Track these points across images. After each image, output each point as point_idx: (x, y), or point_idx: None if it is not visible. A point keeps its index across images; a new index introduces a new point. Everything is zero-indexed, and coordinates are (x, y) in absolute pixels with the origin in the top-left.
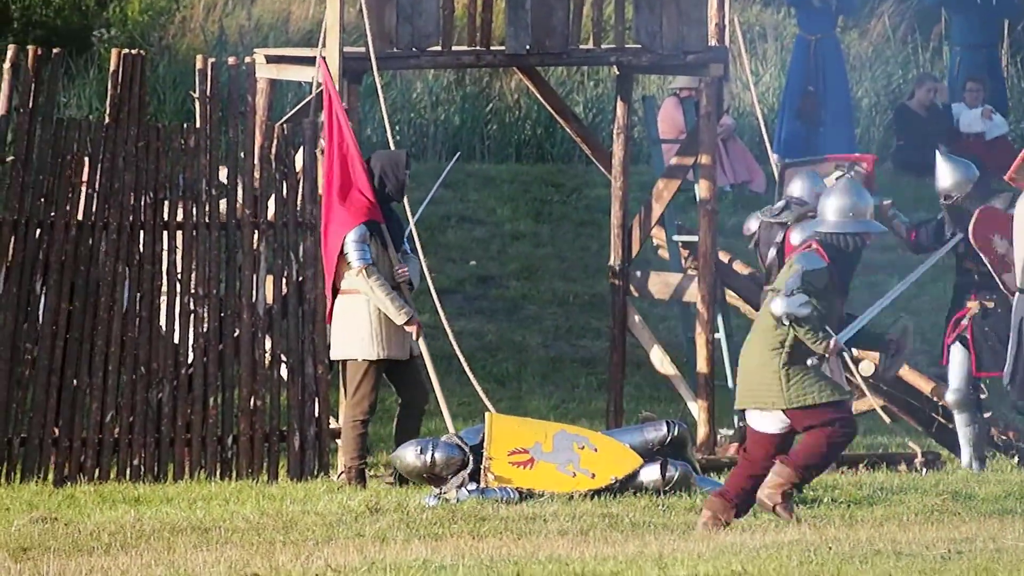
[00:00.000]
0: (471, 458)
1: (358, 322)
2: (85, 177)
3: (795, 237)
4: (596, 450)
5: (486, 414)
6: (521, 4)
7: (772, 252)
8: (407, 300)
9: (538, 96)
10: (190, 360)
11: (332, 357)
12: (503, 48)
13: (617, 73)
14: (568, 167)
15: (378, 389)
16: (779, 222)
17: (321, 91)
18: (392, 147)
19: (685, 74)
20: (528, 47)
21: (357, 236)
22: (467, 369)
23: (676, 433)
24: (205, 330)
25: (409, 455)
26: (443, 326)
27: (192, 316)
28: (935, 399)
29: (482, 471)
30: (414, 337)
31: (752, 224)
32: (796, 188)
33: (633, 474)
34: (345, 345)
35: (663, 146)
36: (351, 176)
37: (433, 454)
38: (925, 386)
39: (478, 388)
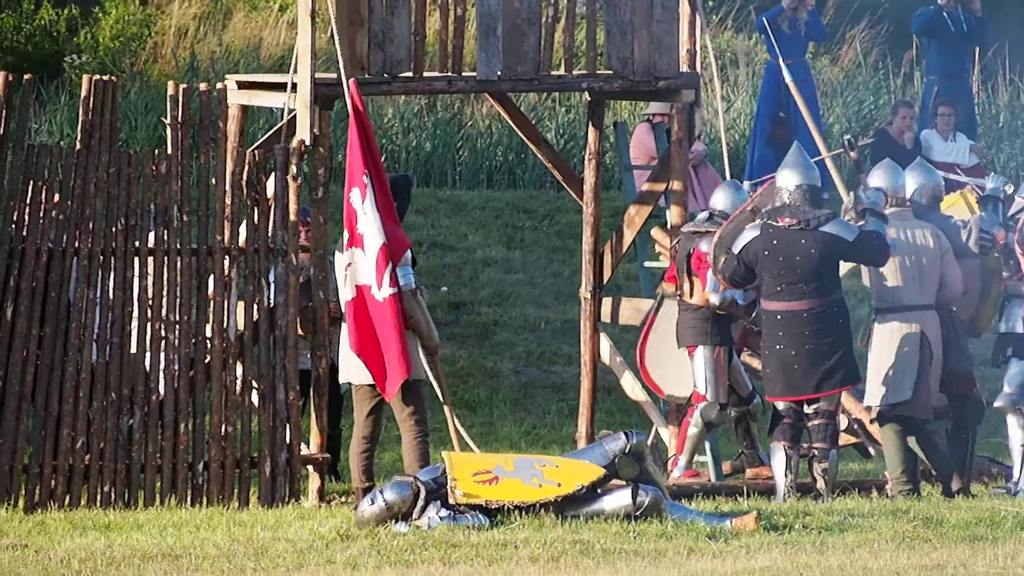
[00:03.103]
0: (423, 490)
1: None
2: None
3: (704, 246)
4: (557, 466)
5: (443, 453)
6: (493, 30)
7: (684, 261)
8: None
9: (510, 122)
10: (161, 387)
11: (348, 380)
12: (475, 74)
13: (589, 99)
14: (540, 193)
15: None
16: (699, 232)
17: (294, 115)
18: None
19: (657, 100)
20: (500, 73)
21: (406, 260)
22: (440, 395)
23: (634, 442)
24: (176, 356)
25: (363, 508)
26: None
27: (163, 342)
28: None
29: (449, 491)
30: (430, 361)
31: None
32: (719, 200)
33: (591, 497)
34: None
35: (635, 172)
36: (389, 201)
37: (384, 497)
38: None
39: (451, 415)
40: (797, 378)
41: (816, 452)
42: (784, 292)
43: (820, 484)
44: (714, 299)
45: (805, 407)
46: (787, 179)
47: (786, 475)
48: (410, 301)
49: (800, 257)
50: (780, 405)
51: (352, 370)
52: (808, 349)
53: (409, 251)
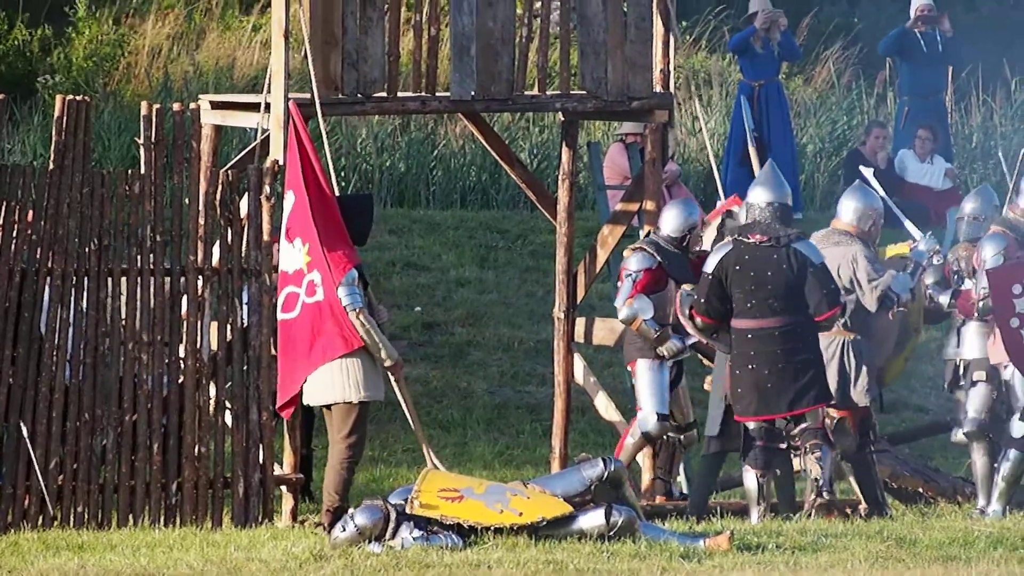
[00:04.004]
0: (393, 512)
1: (346, 364)
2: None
3: (631, 263)
4: (528, 498)
5: (424, 469)
6: (466, 50)
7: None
8: None
9: (483, 142)
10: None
11: (324, 401)
12: (448, 94)
13: (562, 119)
14: (513, 213)
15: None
16: (637, 247)
17: (267, 135)
18: (335, 192)
19: (630, 120)
20: (473, 93)
21: (350, 279)
22: (412, 415)
23: (612, 469)
24: (149, 376)
25: (336, 534)
26: (387, 373)
27: (136, 363)
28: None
29: (408, 501)
30: (394, 379)
31: None
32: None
33: (563, 519)
34: (344, 388)
35: (608, 192)
36: (335, 220)
37: (354, 523)
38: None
39: (421, 436)
40: (770, 397)
41: (808, 447)
42: (755, 309)
43: (815, 471)
44: (620, 313)
45: (787, 426)
46: (759, 196)
47: (759, 503)
48: (355, 321)
49: (772, 273)
50: (751, 426)
51: (313, 393)
52: (781, 368)
53: (355, 270)
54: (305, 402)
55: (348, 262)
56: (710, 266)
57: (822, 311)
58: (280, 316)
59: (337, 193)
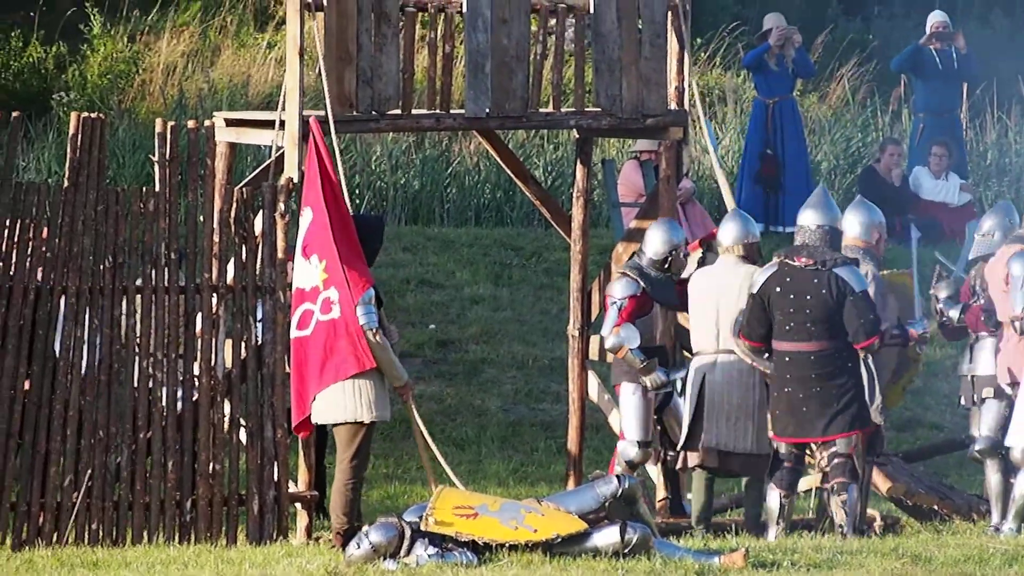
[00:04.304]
0: (408, 530)
1: (358, 384)
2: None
3: (616, 289)
4: (542, 515)
5: (439, 487)
6: (481, 67)
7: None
8: None
9: (498, 159)
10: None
11: (333, 420)
12: (463, 111)
13: (577, 136)
14: (527, 230)
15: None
16: (622, 272)
17: (282, 152)
18: (350, 211)
19: (645, 137)
20: (488, 110)
21: (367, 298)
22: (425, 433)
23: (627, 486)
24: (164, 394)
25: (350, 551)
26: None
27: (151, 380)
28: None
29: (423, 518)
30: (405, 400)
31: None
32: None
33: (578, 536)
34: (356, 408)
35: (623, 209)
36: (353, 239)
37: (369, 540)
38: None
39: (437, 452)
40: (804, 421)
41: (835, 486)
42: (792, 332)
43: (840, 517)
44: (607, 342)
45: (816, 452)
46: (808, 218)
47: (778, 522)
48: (372, 341)
49: (810, 297)
50: (782, 448)
51: (322, 411)
52: (816, 392)
53: (372, 289)
54: (314, 420)
55: (366, 281)
56: (755, 287)
57: (859, 340)
58: (294, 333)
59: (350, 211)
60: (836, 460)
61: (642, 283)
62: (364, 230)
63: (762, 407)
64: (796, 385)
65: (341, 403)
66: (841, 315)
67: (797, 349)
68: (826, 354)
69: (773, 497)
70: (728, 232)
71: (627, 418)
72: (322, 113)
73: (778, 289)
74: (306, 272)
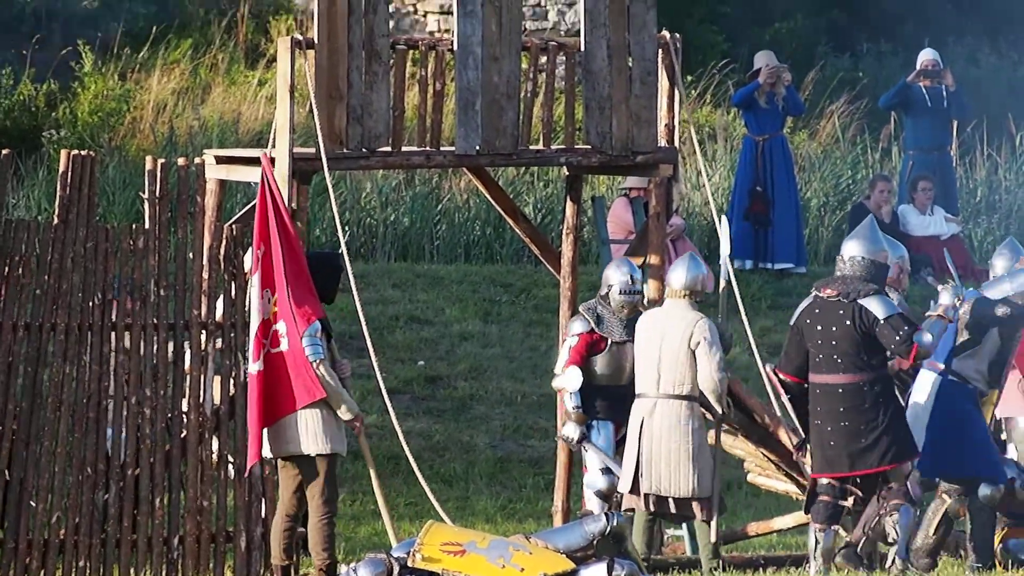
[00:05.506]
0: (396, 566)
1: (306, 416)
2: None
3: (576, 326)
4: (530, 553)
5: (428, 522)
6: (471, 104)
7: None
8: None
9: (488, 196)
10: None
11: (285, 453)
12: (453, 148)
13: (567, 173)
14: (517, 267)
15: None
16: (590, 308)
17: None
18: (344, 248)
19: (635, 174)
20: (478, 147)
21: (313, 331)
22: (415, 469)
23: (615, 524)
24: (152, 430)
25: None
26: (392, 426)
27: (139, 416)
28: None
29: (411, 555)
30: (356, 433)
31: None
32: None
33: (566, 574)
34: (304, 441)
35: (612, 246)
36: (303, 273)
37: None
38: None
39: (426, 489)
40: (832, 455)
41: (890, 508)
42: (822, 364)
43: (892, 535)
44: (554, 380)
45: (853, 486)
46: (848, 249)
47: (815, 557)
48: (317, 372)
49: (836, 328)
50: (821, 481)
51: (275, 445)
52: (843, 426)
53: (318, 322)
54: (266, 454)
55: (312, 314)
56: (793, 319)
57: (903, 355)
58: (257, 368)
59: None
60: (892, 487)
61: (591, 321)
62: (319, 267)
63: (702, 451)
64: (825, 418)
65: (293, 436)
66: (868, 347)
67: (826, 381)
68: (854, 387)
69: (810, 531)
70: (678, 275)
71: (590, 449)
72: (312, 150)
73: (808, 321)
74: (262, 307)
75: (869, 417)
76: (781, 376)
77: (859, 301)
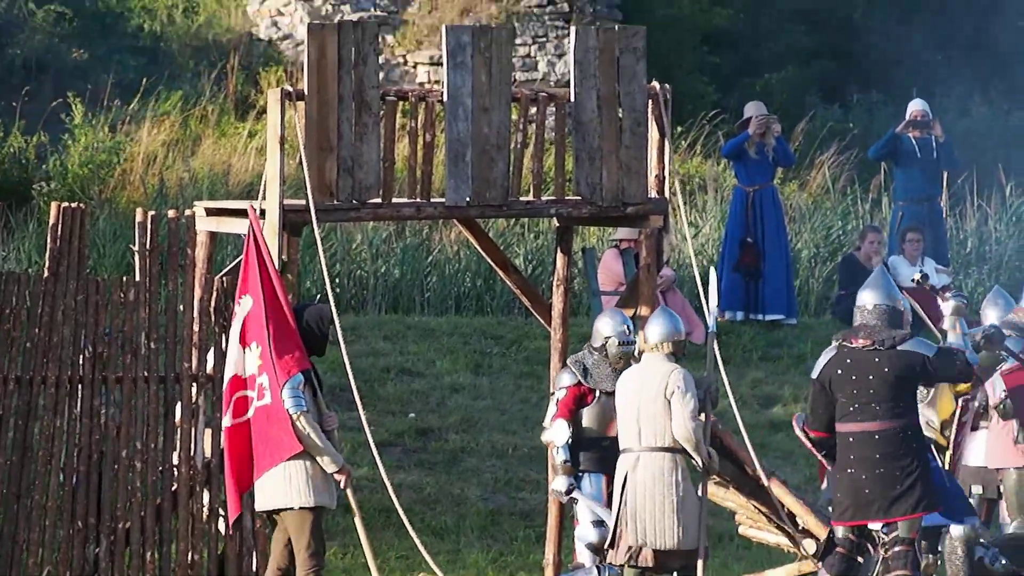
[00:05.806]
0: None
1: (290, 469)
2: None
3: (564, 378)
4: None
5: (419, 575)
6: (462, 156)
7: None
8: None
9: (478, 248)
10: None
11: (269, 507)
12: (443, 200)
13: (557, 225)
14: (508, 319)
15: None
16: (578, 360)
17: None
18: (332, 300)
19: (625, 225)
20: (468, 199)
21: (295, 383)
22: (406, 522)
23: None
24: (143, 484)
25: None
26: (382, 479)
27: (130, 470)
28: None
29: None
30: (342, 486)
31: None
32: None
33: None
34: (287, 494)
35: (603, 297)
36: (287, 325)
37: None
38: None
39: (417, 542)
40: (864, 502)
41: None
42: (856, 412)
43: None
44: (543, 433)
45: (879, 535)
46: (866, 299)
47: None
48: (297, 424)
49: (873, 376)
50: (839, 532)
51: (261, 498)
52: (879, 473)
53: (300, 375)
54: (257, 508)
55: (295, 366)
56: (815, 372)
57: (968, 378)
58: (227, 422)
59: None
60: (897, 548)
61: (578, 375)
62: (311, 320)
63: (687, 502)
64: (859, 466)
65: (278, 489)
66: (905, 393)
67: (861, 429)
68: (890, 433)
69: None
70: (655, 329)
71: (580, 502)
72: (302, 202)
73: (839, 372)
74: (244, 360)
75: (905, 463)
76: (812, 435)
77: (899, 348)
